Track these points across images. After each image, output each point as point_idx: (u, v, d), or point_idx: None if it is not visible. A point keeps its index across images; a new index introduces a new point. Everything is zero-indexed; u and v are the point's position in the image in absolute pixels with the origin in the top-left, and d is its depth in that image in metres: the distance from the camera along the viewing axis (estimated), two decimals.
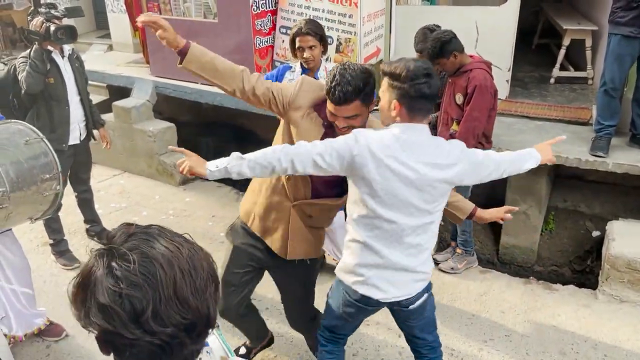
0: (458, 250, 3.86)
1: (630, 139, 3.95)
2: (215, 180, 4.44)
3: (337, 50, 4.41)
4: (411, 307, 2.23)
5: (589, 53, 5.11)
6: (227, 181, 4.81)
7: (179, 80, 5.33)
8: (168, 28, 2.11)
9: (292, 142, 2.13)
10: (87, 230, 4.27)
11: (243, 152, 2.03)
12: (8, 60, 3.62)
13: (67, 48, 3.62)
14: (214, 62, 2.13)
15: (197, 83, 5.19)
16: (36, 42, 3.37)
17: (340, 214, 3.43)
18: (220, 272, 2.44)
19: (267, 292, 3.31)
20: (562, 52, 5.23)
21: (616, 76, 3.69)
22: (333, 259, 3.62)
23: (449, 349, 3.06)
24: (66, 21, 3.52)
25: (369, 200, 1.99)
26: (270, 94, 2.17)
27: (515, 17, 4.52)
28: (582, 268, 4.25)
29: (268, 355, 3.07)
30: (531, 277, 3.87)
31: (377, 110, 2.14)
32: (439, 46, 3.31)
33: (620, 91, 3.80)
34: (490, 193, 4.64)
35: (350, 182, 2.06)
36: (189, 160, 2.00)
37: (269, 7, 4.72)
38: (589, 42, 5.09)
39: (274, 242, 2.39)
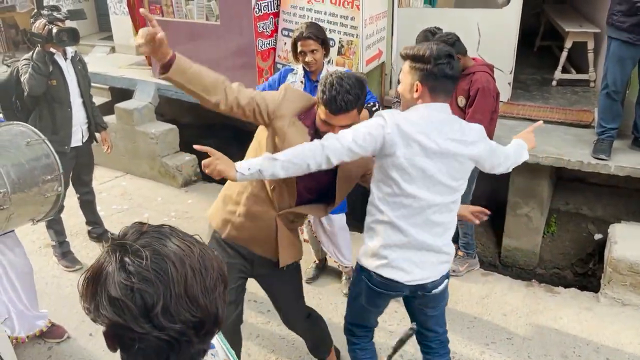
0: (460, 253, 3.86)
1: (633, 141, 3.95)
2: (216, 182, 4.44)
3: (339, 53, 4.42)
4: (434, 291, 2.23)
5: (591, 55, 5.10)
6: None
7: None
8: (163, 37, 1.85)
9: (277, 151, 2.07)
10: (89, 232, 4.28)
11: (244, 154, 2.04)
12: (11, 62, 3.63)
13: (70, 50, 3.63)
14: (200, 73, 1.99)
15: None
16: (39, 44, 3.38)
17: (342, 216, 3.44)
18: None
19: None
20: (564, 54, 5.22)
21: (618, 79, 3.68)
22: (334, 261, 3.62)
23: (451, 352, 3.05)
24: (69, 23, 3.53)
25: (397, 178, 2.02)
26: (255, 103, 2.08)
27: (517, 20, 4.51)
28: (584, 271, 4.24)
29: (270, 357, 3.07)
30: (533, 280, 3.86)
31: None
32: None
33: (622, 94, 3.80)
34: (491, 195, 4.64)
35: (378, 164, 2.09)
36: (217, 161, 1.92)
37: (271, 10, 4.72)
38: (591, 45, 5.08)
39: (265, 252, 2.36)
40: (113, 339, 0.92)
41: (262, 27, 4.70)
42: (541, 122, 2.57)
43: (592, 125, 4.24)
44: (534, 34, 6.67)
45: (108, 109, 5.57)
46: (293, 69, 3.27)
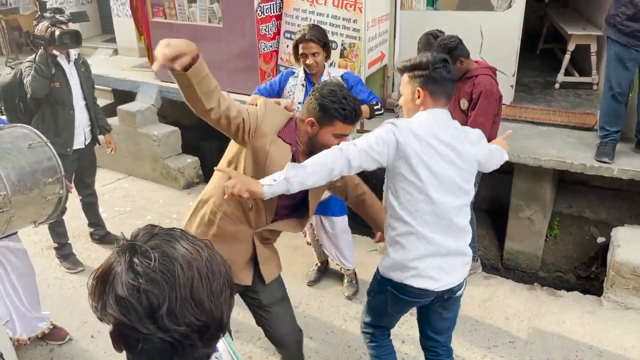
0: None
1: (636, 144, 3.94)
2: None
3: (341, 55, 4.42)
4: (458, 292, 2.29)
5: (594, 58, 5.09)
6: None
7: None
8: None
9: (259, 171, 2.05)
10: (91, 234, 4.28)
11: None
12: (14, 64, 3.64)
13: (73, 53, 3.64)
14: (209, 76, 1.91)
15: None
16: (41, 47, 3.39)
17: (344, 218, 3.44)
18: None
19: None
20: (567, 57, 5.22)
21: (623, 80, 3.66)
22: (336, 264, 3.62)
23: (453, 355, 3.04)
24: (71, 26, 3.54)
25: (417, 183, 2.06)
26: (241, 118, 2.00)
27: (520, 22, 4.51)
28: (587, 274, 4.23)
29: None
30: (535, 283, 3.84)
31: None
32: (446, 52, 3.30)
33: (627, 96, 3.79)
34: (494, 198, 4.63)
35: (391, 174, 2.11)
36: (240, 182, 1.86)
37: (274, 12, 4.73)
38: (594, 48, 5.07)
39: (241, 279, 2.28)
40: (119, 338, 0.93)
41: (265, 29, 4.71)
42: (510, 131, 2.64)
43: (594, 128, 4.23)
44: (536, 36, 6.66)
45: (111, 111, 5.59)
46: (294, 72, 3.27)
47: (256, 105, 2.13)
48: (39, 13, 3.52)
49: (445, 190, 2.08)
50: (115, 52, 7.05)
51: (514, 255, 4.34)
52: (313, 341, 3.21)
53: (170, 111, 5.94)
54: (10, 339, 2.86)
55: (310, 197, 2.25)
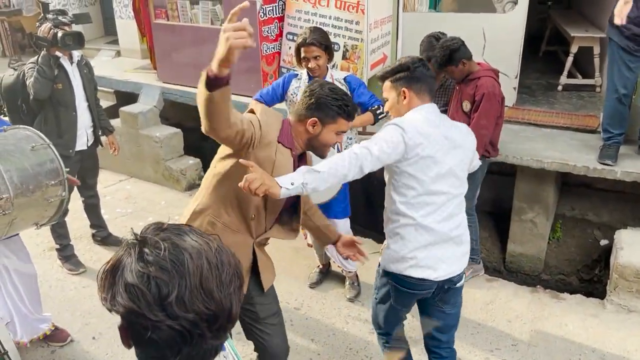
0: None
1: None
2: None
3: (344, 57, 4.42)
4: (458, 284, 2.35)
5: (597, 60, 5.08)
6: None
7: (186, 86, 5.36)
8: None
9: None
10: (93, 236, 4.28)
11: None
12: (17, 65, 3.65)
13: (76, 54, 3.64)
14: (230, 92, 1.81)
15: None
16: (44, 48, 3.40)
17: (346, 220, 3.43)
18: None
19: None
20: (570, 59, 5.20)
21: (626, 82, 3.64)
22: (338, 266, 3.61)
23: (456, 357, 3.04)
24: (74, 27, 3.54)
25: (422, 178, 2.13)
26: (251, 130, 1.95)
27: (522, 24, 4.50)
28: (590, 277, 4.21)
29: None
30: (538, 286, 3.83)
31: None
32: (448, 54, 3.30)
33: (630, 98, 3.77)
34: (496, 201, 4.62)
35: (394, 171, 2.17)
36: (261, 178, 1.83)
37: (276, 14, 4.73)
38: (597, 50, 5.06)
39: (246, 283, 2.25)
40: (127, 331, 0.93)
41: (267, 31, 4.71)
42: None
43: (597, 130, 4.21)
44: (539, 39, 6.65)
45: (113, 112, 5.59)
46: (297, 74, 3.27)
47: (253, 112, 2.09)
48: (42, 15, 3.53)
49: (446, 182, 2.17)
50: (118, 53, 7.06)
51: (517, 257, 4.33)
52: (315, 343, 3.20)
53: (172, 113, 5.95)
54: (11, 341, 2.86)
55: (302, 200, 2.29)
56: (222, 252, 0.96)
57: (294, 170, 2.05)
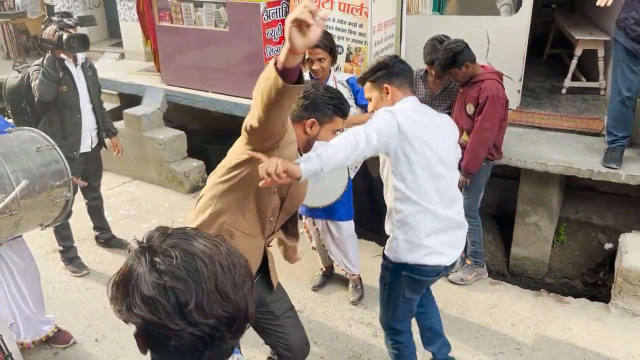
0: (468, 262, 3.83)
1: None
2: None
3: (347, 60, 4.42)
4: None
5: (601, 63, 5.07)
6: None
7: (190, 89, 5.36)
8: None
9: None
10: (97, 238, 4.29)
11: None
12: (22, 68, 3.66)
13: (81, 56, 3.65)
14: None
15: (207, 92, 5.22)
16: (49, 50, 3.41)
17: (350, 223, 3.43)
18: None
19: None
20: (574, 62, 5.19)
21: (632, 85, 3.63)
22: (342, 269, 3.61)
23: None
24: (79, 30, 3.55)
25: (421, 162, 2.22)
26: (286, 127, 1.91)
27: (526, 27, 4.49)
28: (594, 281, 4.19)
29: None
30: (542, 290, 3.82)
31: None
32: (451, 56, 3.30)
33: (635, 101, 3.76)
34: (500, 204, 4.61)
35: (395, 160, 2.23)
36: (276, 161, 1.79)
37: (280, 17, 4.74)
38: (601, 53, 5.05)
39: (257, 284, 2.23)
40: (144, 339, 0.94)
41: (271, 34, 4.71)
42: None
43: (602, 133, 4.20)
44: (543, 42, 6.64)
45: (117, 114, 5.61)
46: None
47: None
48: (46, 17, 3.54)
49: (443, 165, 2.28)
50: (122, 56, 7.07)
51: (520, 261, 4.31)
52: (317, 346, 3.20)
53: (176, 115, 5.95)
54: (14, 342, 2.86)
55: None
56: (232, 254, 0.97)
57: None
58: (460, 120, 3.50)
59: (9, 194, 2.30)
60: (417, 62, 3.98)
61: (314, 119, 2.11)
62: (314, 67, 3.10)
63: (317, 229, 3.49)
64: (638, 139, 3.94)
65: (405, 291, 2.43)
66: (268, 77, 1.55)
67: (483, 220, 3.81)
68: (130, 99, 5.91)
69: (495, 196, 4.48)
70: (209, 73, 5.15)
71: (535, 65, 5.98)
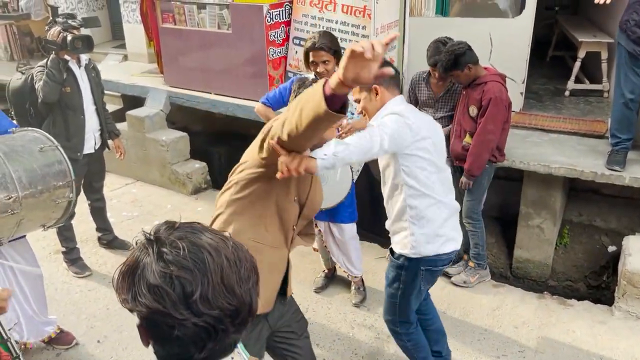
0: (470, 264, 3.82)
1: None
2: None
3: None
4: None
5: (604, 66, 5.06)
6: None
7: (192, 90, 5.37)
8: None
9: (304, 186, 2.04)
10: (99, 239, 4.29)
11: None
12: (25, 69, 3.66)
13: (84, 58, 3.66)
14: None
15: (210, 93, 5.23)
16: (53, 52, 3.41)
17: (353, 225, 3.42)
18: None
19: None
20: (577, 64, 5.18)
21: (635, 87, 3.62)
22: (344, 271, 3.60)
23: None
24: (83, 31, 3.56)
25: (429, 158, 2.32)
26: None
27: (529, 29, 4.49)
28: (598, 284, 4.17)
29: None
30: (545, 292, 3.80)
31: None
32: (453, 58, 3.30)
33: (638, 103, 3.75)
34: (503, 206, 4.60)
35: (405, 158, 2.30)
36: (295, 156, 1.78)
37: (283, 19, 4.75)
38: (604, 55, 5.04)
39: (273, 296, 2.15)
40: (148, 330, 0.95)
41: (274, 35, 4.72)
42: None
43: (605, 135, 4.19)
44: (546, 44, 6.64)
45: (120, 116, 5.62)
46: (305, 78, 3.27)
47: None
48: (50, 18, 3.55)
49: (442, 159, 2.42)
50: (125, 57, 7.09)
51: (524, 263, 4.30)
52: (320, 349, 3.19)
53: (179, 117, 5.96)
54: (17, 342, 2.86)
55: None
56: (238, 248, 0.98)
57: None
58: (463, 123, 3.50)
59: (11, 193, 2.30)
60: (419, 64, 3.98)
61: None
62: (318, 70, 3.10)
63: (320, 230, 3.48)
64: None
65: (421, 285, 2.52)
66: (313, 98, 1.49)
67: (486, 223, 3.80)
68: (133, 101, 5.92)
69: (498, 198, 4.48)
70: (212, 75, 5.16)
71: (539, 68, 5.98)
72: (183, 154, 5.46)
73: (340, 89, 1.41)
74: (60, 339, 3.21)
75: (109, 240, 4.26)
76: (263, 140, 1.84)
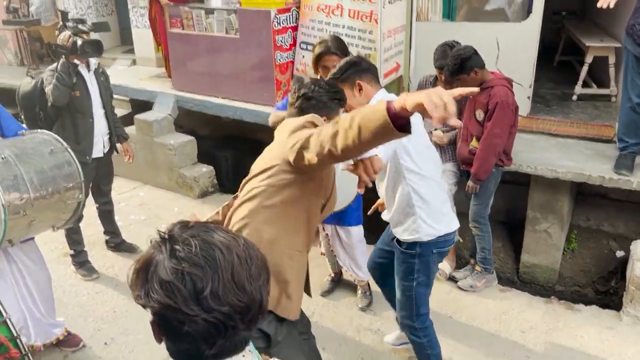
0: (477, 268, 3.81)
1: None
2: (232, 194, 4.47)
3: None
4: None
5: (612, 70, 5.04)
6: None
7: (200, 95, 5.40)
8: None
9: (325, 191, 2.06)
10: (107, 242, 4.32)
11: None
12: (35, 74, 3.70)
13: (93, 62, 3.69)
14: None
15: (217, 97, 5.26)
16: (63, 56, 3.45)
17: (360, 228, 3.42)
18: None
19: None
20: (585, 69, 5.17)
21: None
22: (350, 275, 3.60)
23: None
24: (93, 36, 3.60)
25: (421, 141, 2.42)
26: None
27: (536, 34, 4.49)
28: (606, 289, 4.14)
29: None
30: (552, 297, 3.78)
31: None
32: (459, 62, 3.30)
33: None
34: (510, 210, 4.58)
35: (405, 146, 2.34)
36: (366, 164, 1.83)
37: (290, 23, 4.77)
38: (612, 59, 5.02)
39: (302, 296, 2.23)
40: (160, 325, 0.96)
41: (281, 40, 4.74)
42: None
43: (613, 140, 4.17)
44: (554, 49, 6.63)
45: (128, 120, 5.65)
46: None
47: (313, 124, 2.00)
48: (60, 24, 3.59)
49: (425, 135, 2.51)
50: (134, 62, 7.14)
51: (531, 268, 4.28)
52: (326, 352, 3.18)
53: (186, 121, 6.00)
54: (25, 344, 2.88)
55: None
56: (249, 247, 1.00)
57: None
58: (470, 127, 3.50)
59: (23, 194, 2.33)
60: (426, 69, 3.99)
61: (325, 117, 2.12)
62: (329, 75, 3.11)
63: (327, 234, 3.49)
64: None
65: (434, 268, 2.61)
66: (374, 116, 1.49)
67: (492, 227, 3.79)
68: (142, 105, 5.97)
69: (505, 203, 4.46)
70: (220, 79, 5.19)
71: (546, 73, 5.97)
72: (190, 158, 5.49)
73: (405, 113, 1.44)
74: (68, 341, 3.22)
75: (116, 243, 4.29)
76: (299, 152, 1.80)
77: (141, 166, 5.54)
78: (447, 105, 1.29)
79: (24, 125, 3.51)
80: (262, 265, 1.00)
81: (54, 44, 3.48)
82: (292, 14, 4.76)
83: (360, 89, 2.39)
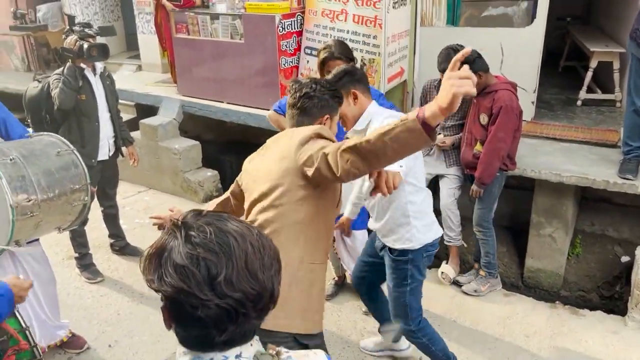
0: (481, 273, 3.80)
1: None
2: None
3: None
4: None
5: (617, 75, 5.04)
6: None
7: (205, 100, 5.43)
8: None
9: (334, 200, 2.03)
10: (112, 245, 4.33)
11: None
12: (42, 78, 3.74)
13: (99, 66, 3.72)
14: None
15: (222, 102, 5.28)
16: (70, 59, 3.48)
17: (364, 232, 3.43)
18: None
19: None
20: (589, 74, 5.17)
21: None
22: None
23: None
24: (99, 40, 3.63)
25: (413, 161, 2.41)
26: None
27: (541, 39, 4.50)
28: (611, 294, 4.13)
29: None
30: (557, 302, 3.77)
31: None
32: (463, 65, 3.30)
33: None
34: (514, 215, 4.58)
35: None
36: (393, 174, 1.88)
37: (295, 28, 4.80)
38: (616, 64, 5.02)
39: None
40: (171, 311, 0.97)
41: (286, 45, 4.77)
42: None
43: (617, 145, 4.16)
44: (558, 54, 6.63)
45: (134, 124, 5.68)
46: None
47: (321, 136, 1.96)
48: (67, 28, 3.62)
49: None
50: (139, 68, 7.19)
51: (535, 273, 4.26)
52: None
53: (191, 125, 6.02)
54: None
55: None
56: (262, 236, 1.01)
57: None
58: (474, 131, 3.51)
59: (30, 195, 2.35)
60: (430, 73, 4.00)
61: (327, 115, 2.12)
62: None
63: (333, 237, 3.49)
64: None
65: (424, 272, 2.64)
66: (406, 126, 1.53)
67: (497, 231, 3.79)
68: (147, 110, 6.00)
69: (509, 207, 4.46)
70: (225, 84, 5.22)
71: (550, 78, 5.97)
72: (195, 162, 5.51)
73: (437, 119, 1.52)
74: (72, 343, 3.24)
75: (121, 246, 4.30)
76: (320, 166, 1.77)
77: (146, 170, 5.56)
78: (470, 77, 1.41)
79: (30, 129, 3.54)
80: (274, 255, 1.02)
81: (60, 48, 3.52)
82: (296, 19, 4.78)
83: (356, 98, 2.38)
